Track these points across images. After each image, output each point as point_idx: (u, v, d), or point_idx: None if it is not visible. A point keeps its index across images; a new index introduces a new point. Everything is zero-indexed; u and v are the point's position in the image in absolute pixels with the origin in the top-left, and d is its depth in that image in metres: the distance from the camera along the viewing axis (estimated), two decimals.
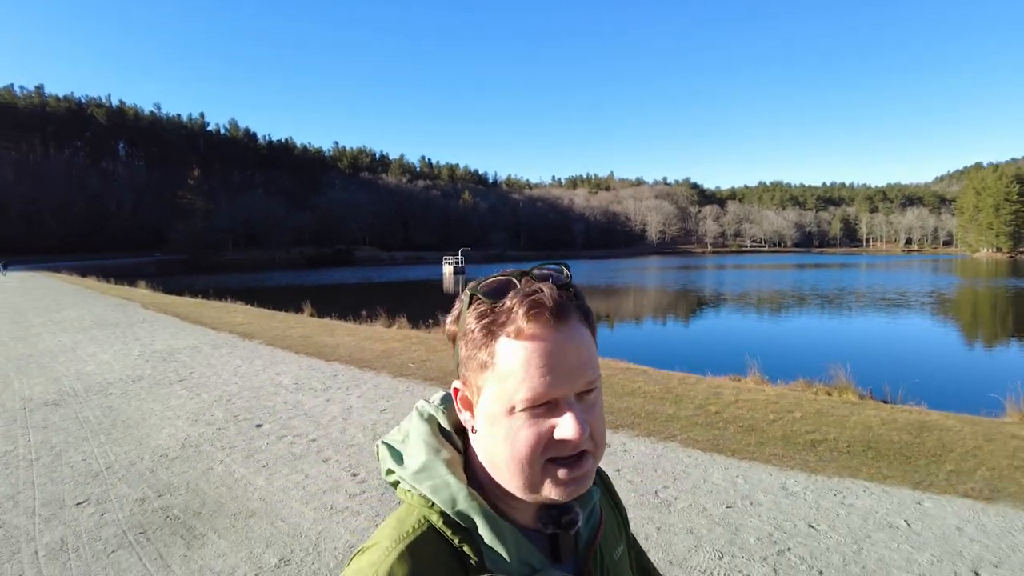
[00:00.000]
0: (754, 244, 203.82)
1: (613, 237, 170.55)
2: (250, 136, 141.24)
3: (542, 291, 0.63)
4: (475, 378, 0.66)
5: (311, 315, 15.47)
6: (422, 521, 0.66)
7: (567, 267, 0.70)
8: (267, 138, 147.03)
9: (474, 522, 0.65)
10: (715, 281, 47.98)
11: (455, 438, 0.73)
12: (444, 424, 0.73)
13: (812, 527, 3.16)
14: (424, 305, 23.00)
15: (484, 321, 0.64)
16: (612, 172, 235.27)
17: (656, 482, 3.81)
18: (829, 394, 6.28)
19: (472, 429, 0.70)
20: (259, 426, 5.18)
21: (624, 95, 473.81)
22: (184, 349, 9.32)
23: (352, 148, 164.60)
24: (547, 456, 0.63)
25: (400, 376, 7.06)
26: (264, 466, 4.22)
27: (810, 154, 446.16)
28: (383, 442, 0.75)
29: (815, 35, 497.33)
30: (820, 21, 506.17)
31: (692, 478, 3.87)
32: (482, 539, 0.65)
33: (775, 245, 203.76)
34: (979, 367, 13.56)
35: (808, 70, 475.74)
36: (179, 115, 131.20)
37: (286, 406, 5.82)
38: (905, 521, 3.22)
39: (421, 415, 0.74)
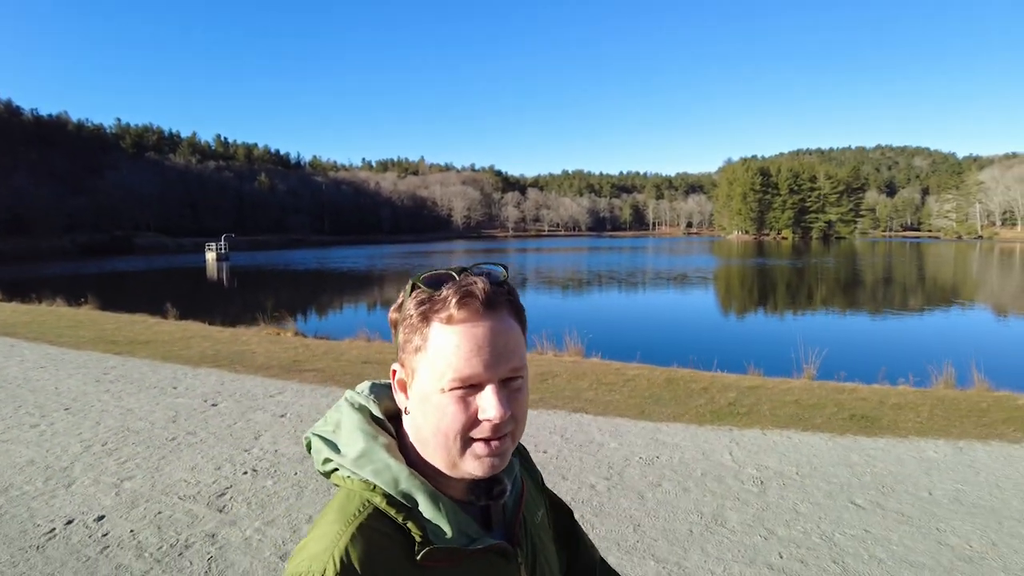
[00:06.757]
0: (551, 229, 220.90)
1: (421, 222, 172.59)
2: (12, 110, 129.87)
3: (476, 284, 0.70)
4: (411, 360, 0.72)
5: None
6: (366, 504, 0.71)
7: (505, 267, 0.77)
8: (35, 112, 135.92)
9: (416, 500, 0.71)
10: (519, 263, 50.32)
11: (388, 424, 0.79)
12: (376, 412, 0.79)
13: None
14: (162, 290, 27.22)
15: (422, 308, 0.71)
16: (423, 157, 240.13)
17: None
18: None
19: (405, 410, 0.76)
20: None
21: (438, 80, 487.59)
22: None
23: (137, 125, 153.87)
24: (470, 434, 0.70)
25: None
26: None
27: (612, 145, 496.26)
28: (314, 434, 0.80)
29: (620, 33, 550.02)
30: (620, 20, 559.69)
31: None
32: (423, 515, 0.71)
33: (571, 230, 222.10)
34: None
35: (618, 66, 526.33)
36: None
37: None
38: None
39: (352, 405, 0.80)
